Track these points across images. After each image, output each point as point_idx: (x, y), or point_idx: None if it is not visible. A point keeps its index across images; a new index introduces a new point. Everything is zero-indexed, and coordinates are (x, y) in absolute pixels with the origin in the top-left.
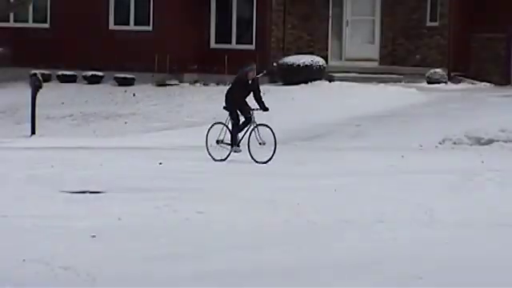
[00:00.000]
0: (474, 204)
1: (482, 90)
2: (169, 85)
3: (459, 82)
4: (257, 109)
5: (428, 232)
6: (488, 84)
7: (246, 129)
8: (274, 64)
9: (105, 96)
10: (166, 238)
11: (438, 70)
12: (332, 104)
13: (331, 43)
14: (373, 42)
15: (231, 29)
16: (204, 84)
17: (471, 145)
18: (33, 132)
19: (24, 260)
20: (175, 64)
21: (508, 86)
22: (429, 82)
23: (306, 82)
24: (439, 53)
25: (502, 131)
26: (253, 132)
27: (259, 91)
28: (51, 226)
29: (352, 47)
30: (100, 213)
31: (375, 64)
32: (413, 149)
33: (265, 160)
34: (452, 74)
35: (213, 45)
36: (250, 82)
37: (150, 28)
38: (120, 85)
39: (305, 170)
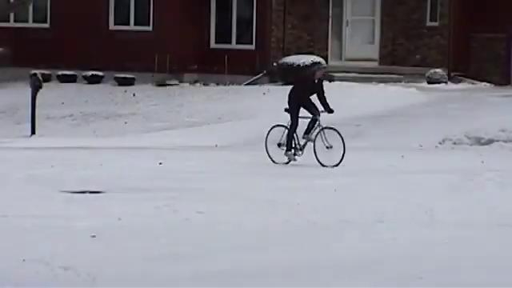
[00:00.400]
0: (474, 204)
1: (482, 90)
2: (169, 85)
3: (459, 81)
4: (322, 111)
5: (428, 232)
6: (488, 84)
7: (312, 131)
8: (274, 64)
9: (105, 96)
10: (166, 237)
11: (438, 69)
12: (332, 104)
13: (331, 43)
14: (373, 42)
15: (231, 29)
16: (204, 84)
17: (471, 145)
18: (33, 132)
19: (24, 260)
20: (175, 64)
21: (508, 86)
22: (429, 82)
23: None
24: (439, 53)
25: (502, 131)
26: (319, 135)
27: (323, 92)
28: (51, 225)
29: (352, 47)
30: (100, 213)
31: (375, 64)
32: (413, 149)
33: (333, 164)
34: (452, 74)
35: (213, 45)
36: (315, 81)
37: (150, 28)
38: (120, 85)
39: (305, 170)
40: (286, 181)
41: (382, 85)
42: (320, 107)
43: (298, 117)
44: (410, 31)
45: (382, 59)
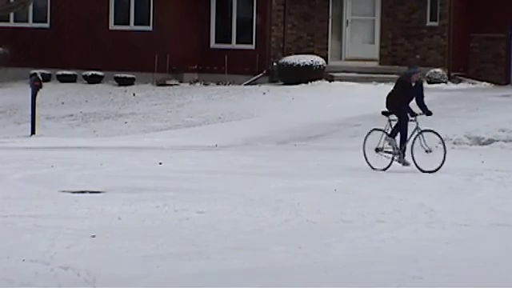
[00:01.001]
0: (474, 204)
1: (482, 90)
2: (169, 85)
3: (459, 81)
4: (420, 113)
5: (428, 232)
6: (488, 84)
7: (405, 135)
8: (274, 64)
9: (105, 96)
10: (166, 237)
11: (438, 69)
12: (332, 104)
13: (331, 43)
14: (373, 42)
15: (231, 29)
16: (204, 84)
17: (471, 145)
18: (33, 132)
19: (24, 260)
20: (175, 64)
21: (508, 86)
22: (429, 82)
23: (306, 82)
24: (439, 53)
25: (502, 131)
26: (417, 139)
27: (423, 95)
28: (51, 226)
29: (352, 47)
30: (100, 213)
31: (375, 64)
32: (412, 149)
33: (433, 169)
34: (452, 74)
35: (213, 45)
36: (413, 84)
37: (150, 28)
38: (120, 85)
39: (305, 170)
40: (286, 181)
41: (382, 85)
42: (417, 110)
43: (406, 114)
44: (410, 31)
45: (382, 59)
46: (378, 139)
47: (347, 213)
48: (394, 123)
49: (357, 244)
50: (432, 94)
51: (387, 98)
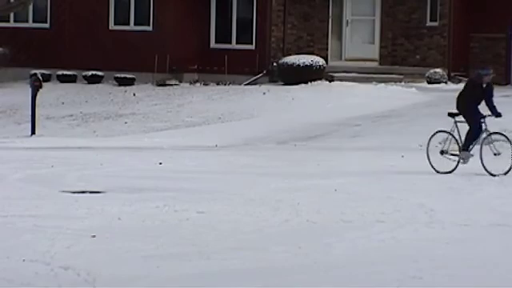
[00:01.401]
0: (474, 204)
1: None
2: (169, 85)
3: (459, 81)
4: (489, 115)
5: (428, 232)
6: None
7: (477, 138)
8: (274, 64)
9: (105, 96)
10: (166, 237)
11: (438, 69)
12: (332, 104)
13: (331, 43)
14: (373, 42)
15: (231, 29)
16: (204, 84)
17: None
18: (33, 132)
19: (24, 260)
20: (175, 64)
21: (508, 86)
22: (429, 82)
23: (306, 82)
24: (439, 53)
25: (502, 131)
26: (486, 141)
27: (492, 96)
28: (51, 226)
29: (352, 47)
30: (100, 213)
31: (375, 64)
32: (413, 149)
33: (502, 172)
34: (452, 74)
35: (213, 45)
36: (483, 86)
37: (150, 28)
38: (120, 85)
39: (305, 170)
40: (286, 181)
41: (382, 85)
42: (486, 111)
43: (474, 117)
44: (410, 31)
45: (382, 59)
46: (443, 141)
47: (347, 213)
48: (459, 125)
49: (357, 244)
50: (432, 94)
51: (458, 98)
